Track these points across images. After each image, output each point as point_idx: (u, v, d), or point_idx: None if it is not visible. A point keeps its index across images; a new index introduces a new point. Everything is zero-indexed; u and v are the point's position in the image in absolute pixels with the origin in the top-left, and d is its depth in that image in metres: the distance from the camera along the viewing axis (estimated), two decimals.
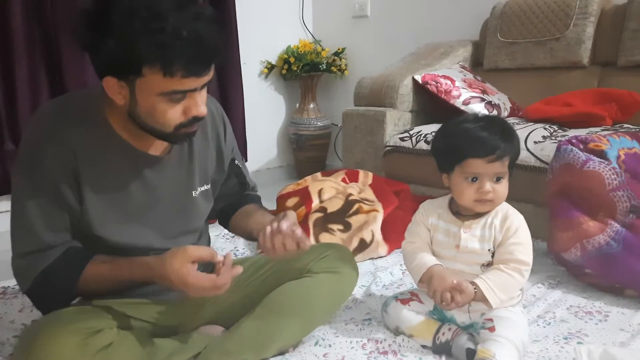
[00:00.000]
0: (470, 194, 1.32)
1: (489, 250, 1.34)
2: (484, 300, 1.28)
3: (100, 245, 1.19)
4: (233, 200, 1.46)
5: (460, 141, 1.32)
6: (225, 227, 1.49)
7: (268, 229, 1.18)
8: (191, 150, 1.27)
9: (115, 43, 0.98)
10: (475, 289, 1.28)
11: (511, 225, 1.33)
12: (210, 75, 1.08)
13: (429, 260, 1.37)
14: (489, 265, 1.34)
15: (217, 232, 2.29)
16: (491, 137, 1.28)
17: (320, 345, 1.41)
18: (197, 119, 1.11)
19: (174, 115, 1.07)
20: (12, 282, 1.87)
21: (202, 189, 1.31)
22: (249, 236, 1.36)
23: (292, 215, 1.22)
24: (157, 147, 1.20)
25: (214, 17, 1.04)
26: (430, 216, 1.43)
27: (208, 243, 1.47)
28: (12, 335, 1.50)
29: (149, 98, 1.05)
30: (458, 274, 1.35)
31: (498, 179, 1.31)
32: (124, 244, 1.20)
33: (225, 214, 1.47)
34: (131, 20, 0.96)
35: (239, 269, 1.15)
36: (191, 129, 1.13)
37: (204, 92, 1.10)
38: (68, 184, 1.12)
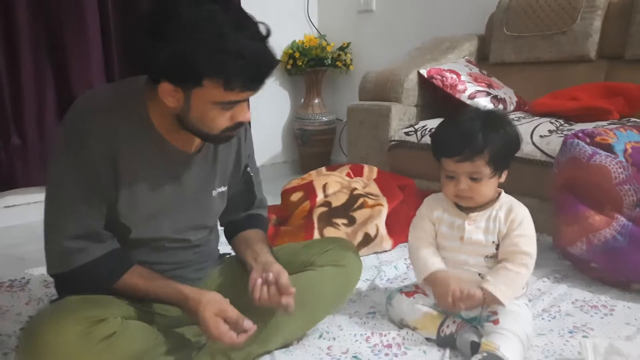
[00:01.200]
0: (450, 189, 1.34)
1: (493, 242, 1.34)
2: (497, 302, 1.29)
3: (118, 232, 1.21)
4: (239, 217, 1.45)
5: (434, 140, 1.37)
6: (228, 242, 1.48)
7: (259, 281, 1.24)
8: (216, 151, 1.31)
9: (178, 54, 1.02)
10: (484, 294, 1.29)
11: (516, 218, 1.33)
12: None
13: (433, 263, 1.37)
14: (493, 257, 1.34)
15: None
16: (459, 138, 1.29)
17: (324, 338, 1.41)
18: (241, 124, 1.17)
19: (222, 120, 1.13)
20: (18, 275, 1.88)
21: (220, 190, 1.34)
22: (243, 264, 1.37)
23: (284, 276, 1.24)
24: (189, 144, 1.24)
25: (269, 34, 1.10)
26: (435, 210, 1.42)
27: (217, 239, 1.48)
28: (19, 327, 1.51)
29: (203, 105, 1.10)
30: (462, 266, 1.35)
31: (473, 178, 1.30)
32: (142, 234, 1.23)
33: (229, 231, 1.47)
34: (196, 35, 1.01)
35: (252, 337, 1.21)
36: (234, 133, 1.20)
37: (249, 100, 1.16)
38: (107, 169, 1.15)
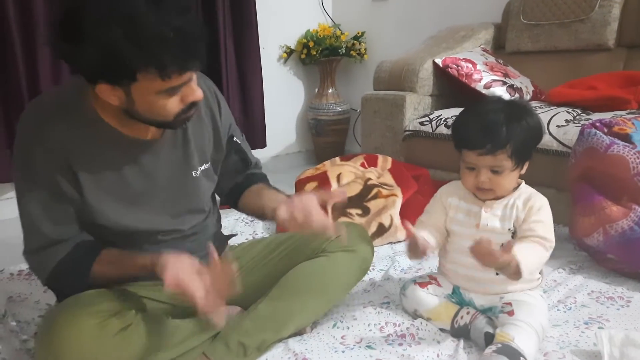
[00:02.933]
0: (470, 181, 1.33)
1: (509, 229, 1.33)
2: (517, 268, 1.17)
3: (107, 233, 1.20)
4: (238, 180, 1.44)
5: (456, 131, 1.35)
6: (234, 207, 1.46)
7: (290, 203, 1.19)
8: (185, 131, 1.26)
9: (98, 53, 0.95)
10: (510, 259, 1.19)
11: (534, 205, 1.31)
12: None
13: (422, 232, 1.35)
14: None
15: (236, 217, 2.31)
16: (482, 131, 1.26)
17: (338, 328, 1.42)
18: (194, 104, 1.11)
19: (173, 106, 1.07)
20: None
21: (202, 168, 1.31)
22: (261, 215, 1.35)
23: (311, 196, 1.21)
24: (149, 132, 1.19)
25: (190, 5, 1.02)
26: (451, 196, 1.42)
27: (218, 222, 1.47)
28: (37, 315, 1.53)
29: (146, 97, 1.04)
30: None
31: (494, 171, 1.29)
32: (130, 229, 1.21)
33: (233, 195, 1.45)
34: (109, 29, 0.94)
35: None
36: (190, 114, 1.13)
37: (195, 76, 1.09)
38: (64, 177, 1.12)
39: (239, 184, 1.44)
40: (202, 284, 1.07)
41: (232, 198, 1.45)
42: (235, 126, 1.43)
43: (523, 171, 1.34)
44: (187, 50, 1.00)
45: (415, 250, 1.31)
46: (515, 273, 1.17)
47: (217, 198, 1.47)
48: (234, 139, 1.39)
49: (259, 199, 1.36)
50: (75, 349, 1.07)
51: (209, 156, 1.33)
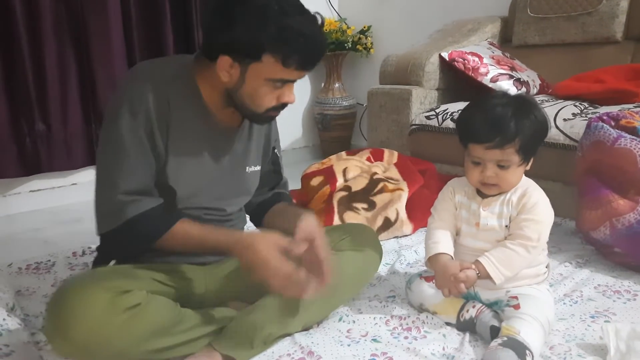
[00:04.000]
0: (475, 176, 1.31)
1: (505, 226, 1.32)
2: (489, 277, 1.27)
3: (163, 196, 1.25)
4: (267, 196, 1.51)
5: (462, 125, 1.33)
6: (257, 225, 1.51)
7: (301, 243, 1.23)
8: (251, 130, 1.38)
9: (245, 30, 1.11)
10: (477, 271, 1.28)
11: (527, 202, 1.30)
12: None
13: (443, 246, 1.36)
14: None
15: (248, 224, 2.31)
16: (490, 125, 1.24)
17: (344, 321, 1.42)
18: (284, 105, 1.25)
19: (270, 99, 1.21)
20: (44, 258, 1.92)
21: (253, 168, 1.41)
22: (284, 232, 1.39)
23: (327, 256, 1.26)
24: (232, 121, 1.31)
25: (324, 24, 1.18)
26: (458, 193, 1.41)
27: (245, 220, 1.52)
28: (45, 308, 1.54)
29: (256, 81, 1.18)
30: (479, 253, 1.33)
31: (501, 166, 1.28)
32: (185, 198, 1.28)
33: (257, 212, 1.50)
34: (265, 13, 1.10)
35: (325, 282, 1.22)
36: (276, 113, 1.27)
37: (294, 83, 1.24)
38: (161, 131, 1.21)
39: (265, 200, 1.50)
40: (289, 266, 1.16)
41: (258, 214, 1.50)
42: (279, 142, 1.55)
43: (528, 167, 1.32)
44: (312, 53, 1.16)
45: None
46: (489, 279, 1.28)
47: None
48: (275, 150, 1.50)
49: (282, 219, 1.41)
50: (84, 320, 1.09)
51: (259, 160, 1.43)
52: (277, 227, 1.38)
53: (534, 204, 1.30)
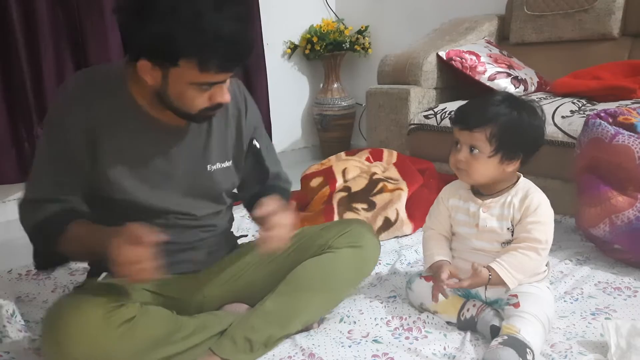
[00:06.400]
0: (451, 159, 1.35)
1: (508, 229, 1.33)
2: (502, 283, 1.28)
3: (123, 208, 1.22)
4: (257, 190, 1.45)
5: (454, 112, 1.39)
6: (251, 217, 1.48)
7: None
8: (210, 126, 1.31)
9: (157, 33, 1.04)
10: (490, 274, 1.28)
11: (530, 204, 1.30)
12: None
13: (438, 254, 1.40)
14: (509, 243, 1.33)
15: (242, 213, 2.31)
16: (471, 108, 1.32)
17: (345, 322, 1.42)
18: (220, 105, 1.18)
19: (200, 101, 1.14)
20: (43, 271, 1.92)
21: (221, 165, 1.33)
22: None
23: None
24: (176, 120, 1.23)
25: (249, 16, 1.07)
26: (451, 197, 1.43)
27: (230, 222, 1.48)
28: (41, 328, 1.54)
29: (180, 85, 1.11)
30: (479, 252, 1.34)
31: (472, 150, 1.30)
32: (144, 205, 1.24)
33: (249, 206, 1.46)
34: (175, 15, 1.03)
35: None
36: (213, 113, 1.21)
37: (228, 80, 1.17)
38: (83, 144, 1.17)
39: (254, 195, 1.43)
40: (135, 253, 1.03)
41: (249, 209, 1.46)
42: (262, 132, 1.46)
43: (509, 168, 1.31)
44: (231, 54, 1.08)
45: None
46: (501, 284, 1.28)
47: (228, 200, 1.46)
48: (254, 142, 1.42)
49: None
50: (81, 338, 1.09)
51: (230, 155, 1.36)
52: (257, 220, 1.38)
53: (537, 205, 1.30)
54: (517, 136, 1.28)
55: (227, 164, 1.35)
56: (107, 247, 1.04)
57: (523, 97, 1.38)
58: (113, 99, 1.19)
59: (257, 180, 1.45)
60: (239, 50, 1.09)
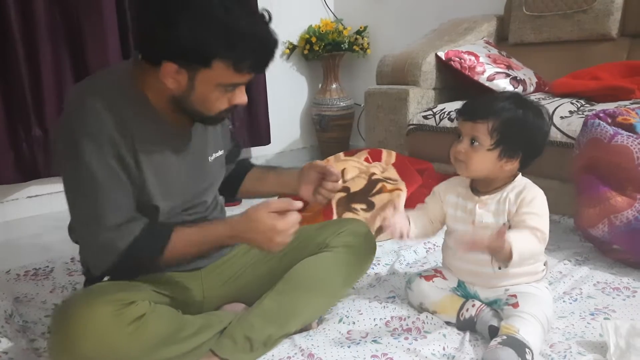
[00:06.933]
0: (452, 149, 1.35)
1: (503, 224, 1.32)
2: (507, 253, 1.18)
3: (144, 212, 1.21)
4: (231, 168, 1.50)
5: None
6: (231, 196, 1.52)
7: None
8: None
9: (190, 36, 1.04)
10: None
11: (525, 197, 1.30)
12: None
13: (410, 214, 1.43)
14: None
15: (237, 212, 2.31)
16: (477, 102, 1.33)
17: (344, 323, 1.42)
18: (236, 107, 1.20)
19: (221, 102, 1.16)
20: (42, 264, 1.92)
21: (215, 155, 1.36)
22: (277, 194, 1.46)
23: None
24: (183, 122, 1.25)
25: (271, 21, 1.13)
26: (449, 193, 1.42)
27: (223, 214, 1.48)
28: (44, 315, 1.54)
29: (207, 87, 1.12)
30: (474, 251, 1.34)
31: (472, 142, 1.30)
32: (167, 211, 1.25)
33: (230, 184, 1.49)
34: (210, 15, 1.04)
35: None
36: (228, 114, 1.22)
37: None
38: (129, 153, 1.15)
39: (233, 173, 1.49)
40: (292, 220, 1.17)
41: (230, 187, 1.49)
42: None
43: (508, 167, 1.31)
44: (265, 54, 1.12)
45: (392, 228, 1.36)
46: (505, 258, 1.19)
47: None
48: (229, 126, 1.47)
49: (266, 182, 1.46)
50: (91, 336, 1.08)
51: (221, 144, 1.39)
52: (260, 193, 1.42)
53: (532, 198, 1.30)
54: (519, 133, 1.28)
55: (220, 152, 1.38)
56: (246, 231, 1.17)
57: (532, 99, 1.37)
58: (135, 103, 1.17)
59: (233, 159, 1.49)
60: (270, 51, 1.12)
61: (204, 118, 1.20)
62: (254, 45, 1.08)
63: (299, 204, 1.18)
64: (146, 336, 1.14)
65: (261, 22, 1.10)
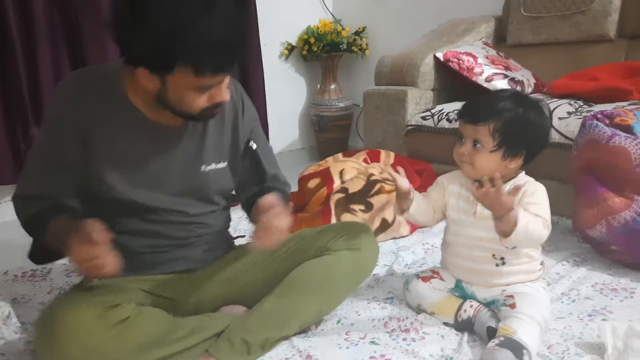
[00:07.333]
0: (455, 151, 1.35)
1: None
2: (514, 219, 1.18)
3: (111, 205, 1.23)
4: (254, 191, 1.43)
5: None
6: (252, 222, 1.45)
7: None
8: (205, 126, 1.31)
9: (150, 43, 1.05)
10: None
11: (527, 190, 1.30)
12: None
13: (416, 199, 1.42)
14: None
15: (239, 214, 2.31)
16: (477, 103, 1.32)
17: (342, 324, 1.42)
18: (219, 104, 1.19)
19: (200, 102, 1.15)
20: (40, 266, 1.91)
21: (216, 166, 1.33)
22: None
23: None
24: (172, 119, 1.24)
25: (242, 16, 1.10)
26: (452, 183, 1.43)
27: (227, 221, 1.47)
28: (34, 329, 1.53)
29: (179, 89, 1.12)
30: (475, 242, 1.35)
31: (475, 144, 1.30)
32: (134, 204, 1.25)
33: (247, 207, 1.45)
34: (165, 24, 1.03)
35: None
36: (214, 112, 1.21)
37: (227, 79, 1.17)
38: (76, 144, 1.19)
39: (251, 196, 1.41)
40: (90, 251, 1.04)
41: (247, 212, 1.45)
42: (260, 134, 1.45)
43: (511, 165, 1.31)
44: (224, 56, 1.09)
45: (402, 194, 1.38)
46: (510, 225, 1.19)
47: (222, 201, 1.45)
48: (250, 143, 1.41)
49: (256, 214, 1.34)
50: (75, 338, 1.09)
51: (226, 156, 1.36)
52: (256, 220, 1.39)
53: (533, 191, 1.30)
54: (521, 133, 1.29)
55: (223, 164, 1.35)
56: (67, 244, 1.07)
57: (534, 98, 1.37)
58: (108, 100, 1.20)
59: (254, 181, 1.44)
60: (231, 52, 1.09)
61: (187, 115, 1.20)
62: (211, 48, 1.05)
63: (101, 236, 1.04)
64: (131, 338, 1.15)
65: (223, 23, 1.05)
